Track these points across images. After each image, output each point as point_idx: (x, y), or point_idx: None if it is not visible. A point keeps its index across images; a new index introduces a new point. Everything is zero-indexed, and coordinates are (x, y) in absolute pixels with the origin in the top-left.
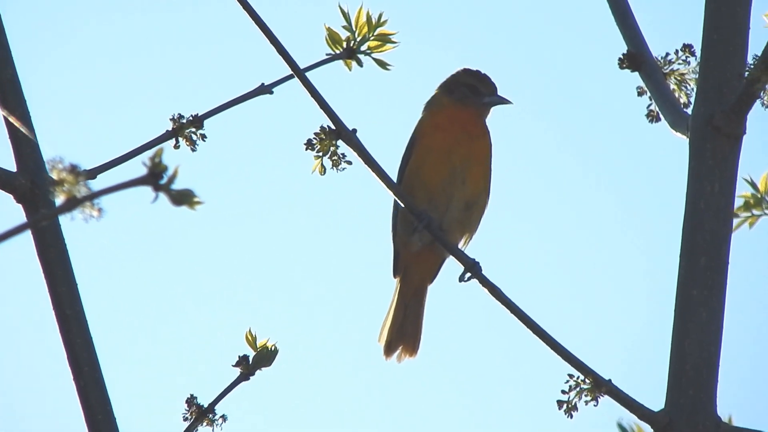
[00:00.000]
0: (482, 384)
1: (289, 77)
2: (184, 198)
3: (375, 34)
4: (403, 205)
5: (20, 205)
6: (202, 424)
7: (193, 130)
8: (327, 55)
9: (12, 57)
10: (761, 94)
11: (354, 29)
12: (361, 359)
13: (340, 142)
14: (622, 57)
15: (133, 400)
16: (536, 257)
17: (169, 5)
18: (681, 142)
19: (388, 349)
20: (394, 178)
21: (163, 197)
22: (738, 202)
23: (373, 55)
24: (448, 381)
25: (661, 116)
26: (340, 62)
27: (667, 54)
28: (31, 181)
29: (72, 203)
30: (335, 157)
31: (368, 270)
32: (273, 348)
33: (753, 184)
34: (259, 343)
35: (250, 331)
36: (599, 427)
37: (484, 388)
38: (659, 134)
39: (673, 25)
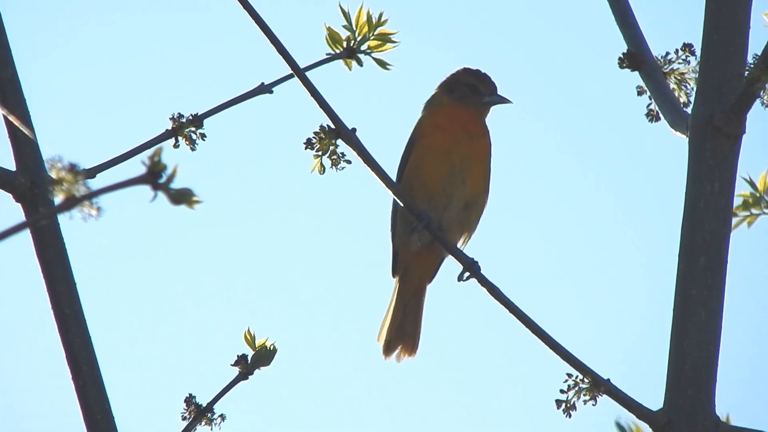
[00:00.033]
0: (481, 384)
1: (289, 77)
2: (182, 197)
3: (375, 33)
4: (402, 204)
5: (19, 205)
6: (200, 424)
7: (193, 129)
8: (327, 54)
9: (12, 57)
10: (761, 93)
11: (354, 29)
12: (360, 359)
13: (339, 142)
14: (622, 56)
15: (132, 400)
16: (536, 257)
17: (169, 5)
18: (681, 142)
19: (387, 349)
20: (394, 177)
21: (162, 196)
22: (737, 201)
23: (373, 54)
24: (448, 381)
25: (660, 116)
26: (340, 62)
27: (667, 53)
28: (30, 181)
29: (71, 202)
30: (335, 157)
31: (367, 269)
32: (272, 347)
33: (752, 183)
34: (257, 343)
35: (248, 330)
36: (598, 427)
37: (483, 387)
38: (659, 134)
39: (673, 25)
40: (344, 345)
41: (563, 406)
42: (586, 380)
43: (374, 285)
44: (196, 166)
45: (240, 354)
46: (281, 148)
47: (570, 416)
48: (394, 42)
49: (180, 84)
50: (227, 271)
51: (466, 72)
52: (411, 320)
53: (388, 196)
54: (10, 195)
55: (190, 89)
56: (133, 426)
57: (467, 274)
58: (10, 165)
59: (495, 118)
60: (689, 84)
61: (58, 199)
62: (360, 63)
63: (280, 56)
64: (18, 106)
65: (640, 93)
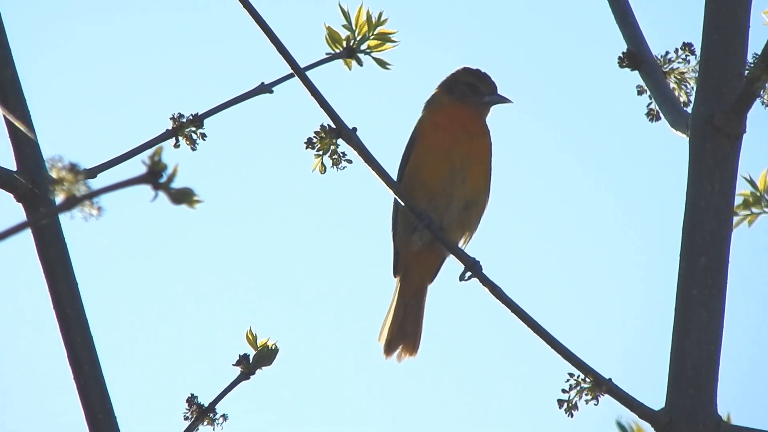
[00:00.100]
0: (483, 383)
1: (289, 76)
2: (183, 197)
3: (375, 33)
4: (403, 204)
5: (20, 204)
6: (202, 423)
7: (193, 129)
8: (327, 54)
9: (12, 57)
10: (761, 93)
11: (354, 28)
12: (362, 358)
13: (340, 141)
14: (621, 56)
15: (134, 399)
16: (536, 256)
17: (169, 5)
18: (681, 141)
19: (389, 349)
20: (394, 177)
21: (162, 196)
22: (737, 200)
23: (373, 54)
24: (449, 380)
25: (661, 115)
26: (340, 61)
27: (667, 53)
28: (31, 181)
29: (72, 202)
30: (335, 156)
31: (368, 269)
32: (273, 347)
33: (752, 183)
34: (259, 342)
35: (250, 330)
36: (599, 427)
37: (484, 387)
38: (659, 133)
39: (673, 24)
40: (345, 345)
41: (565, 405)
42: (587, 380)
43: (375, 285)
44: (197, 165)
45: (242, 354)
46: (282, 147)
47: (572, 416)
48: (393, 41)
49: (180, 84)
50: (228, 271)
51: (466, 71)
52: (412, 320)
53: (389, 196)
54: (11, 195)
55: (191, 89)
56: (134, 426)
57: (469, 273)
58: (11, 165)
59: (495, 117)
60: (689, 83)
61: (59, 198)
62: (360, 63)
63: (281, 56)
64: (18, 106)
65: (640, 92)
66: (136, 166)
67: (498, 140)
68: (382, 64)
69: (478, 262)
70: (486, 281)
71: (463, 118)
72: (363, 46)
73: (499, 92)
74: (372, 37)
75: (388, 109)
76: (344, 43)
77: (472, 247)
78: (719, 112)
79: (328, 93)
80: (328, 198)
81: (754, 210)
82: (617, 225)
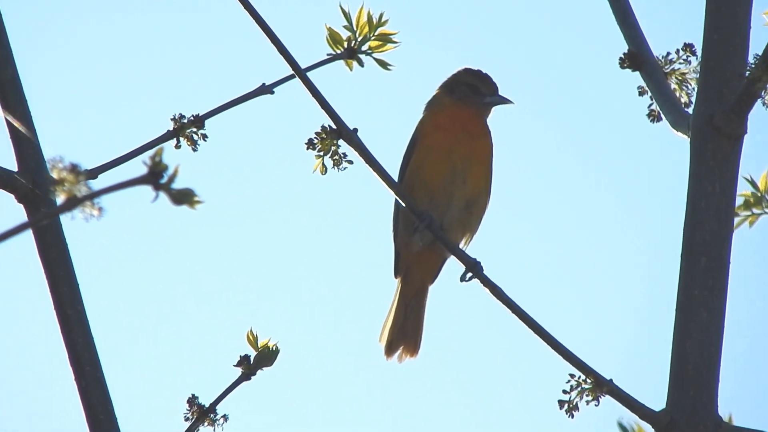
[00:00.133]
0: (483, 384)
1: (290, 77)
2: (184, 197)
3: (376, 34)
4: (404, 204)
5: (21, 205)
6: (203, 424)
7: (194, 129)
8: (328, 55)
9: (12, 57)
10: (762, 93)
11: (355, 29)
12: (362, 359)
13: (341, 142)
14: (622, 56)
15: (135, 400)
16: (537, 257)
17: (169, 5)
18: (682, 142)
19: (389, 349)
20: (395, 177)
21: (163, 197)
22: (738, 200)
23: (374, 55)
24: (449, 381)
25: (662, 116)
26: (341, 62)
27: (668, 53)
28: (32, 181)
29: (73, 203)
30: (336, 157)
31: (369, 270)
32: (274, 348)
33: (753, 183)
34: (260, 343)
35: (251, 331)
36: (600, 427)
37: (485, 388)
38: (660, 134)
39: (674, 25)
40: (346, 346)
41: (566, 406)
42: (588, 380)
43: (376, 285)
44: (198, 166)
45: (242, 355)
46: (283, 148)
47: (573, 416)
48: (394, 42)
49: (181, 84)
50: (229, 272)
51: (467, 72)
52: (413, 321)
53: (389, 197)
54: (12, 195)
55: (192, 90)
56: (135, 427)
57: (470, 274)
58: (12, 165)
59: (496, 118)
60: (690, 84)
61: (60, 199)
62: (361, 63)
63: (281, 57)
64: (19, 106)
65: (641, 93)
66: (137, 167)
67: (499, 141)
68: (383, 64)
69: (479, 262)
70: (487, 282)
71: (464, 118)
72: (364, 47)
73: (500, 93)
74: (373, 38)
75: (389, 109)
76: (345, 44)
77: (472, 247)
78: (720, 113)
79: (329, 94)
80: (328, 199)
81: (755, 211)
82: (618, 225)
